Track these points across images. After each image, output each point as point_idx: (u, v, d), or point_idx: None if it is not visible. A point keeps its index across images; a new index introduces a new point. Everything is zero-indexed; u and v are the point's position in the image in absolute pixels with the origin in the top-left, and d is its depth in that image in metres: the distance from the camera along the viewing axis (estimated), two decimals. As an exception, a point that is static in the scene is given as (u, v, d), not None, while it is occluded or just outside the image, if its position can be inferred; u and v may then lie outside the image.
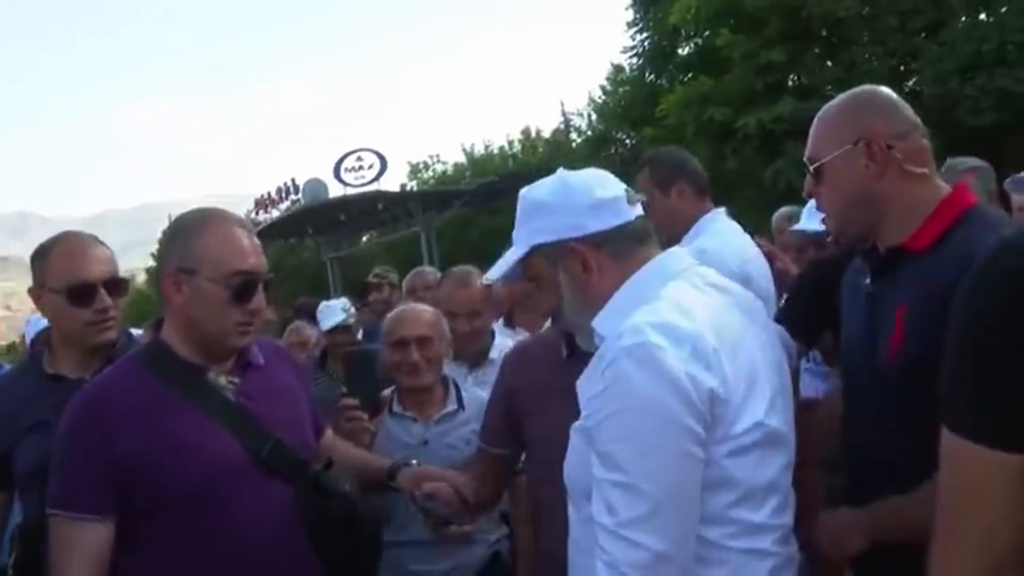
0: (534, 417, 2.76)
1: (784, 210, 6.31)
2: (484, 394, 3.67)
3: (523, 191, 2.21)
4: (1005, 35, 21.27)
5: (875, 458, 2.29)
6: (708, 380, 1.87)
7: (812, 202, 2.63)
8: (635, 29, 30.89)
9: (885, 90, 2.37)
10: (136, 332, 3.51)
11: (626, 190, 2.15)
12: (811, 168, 2.36)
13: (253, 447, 2.51)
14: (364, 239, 42.76)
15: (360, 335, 6.50)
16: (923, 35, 23.37)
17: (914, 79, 24.07)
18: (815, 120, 2.40)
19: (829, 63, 24.84)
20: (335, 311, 6.21)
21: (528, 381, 2.82)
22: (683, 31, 28.50)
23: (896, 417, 2.19)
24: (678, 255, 2.17)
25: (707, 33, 27.13)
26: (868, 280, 2.36)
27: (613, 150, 37.02)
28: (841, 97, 2.40)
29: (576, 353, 2.55)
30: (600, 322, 2.08)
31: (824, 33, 24.23)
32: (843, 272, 2.57)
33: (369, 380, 3.37)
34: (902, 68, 24.48)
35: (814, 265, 3.54)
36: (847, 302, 2.50)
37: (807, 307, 2.93)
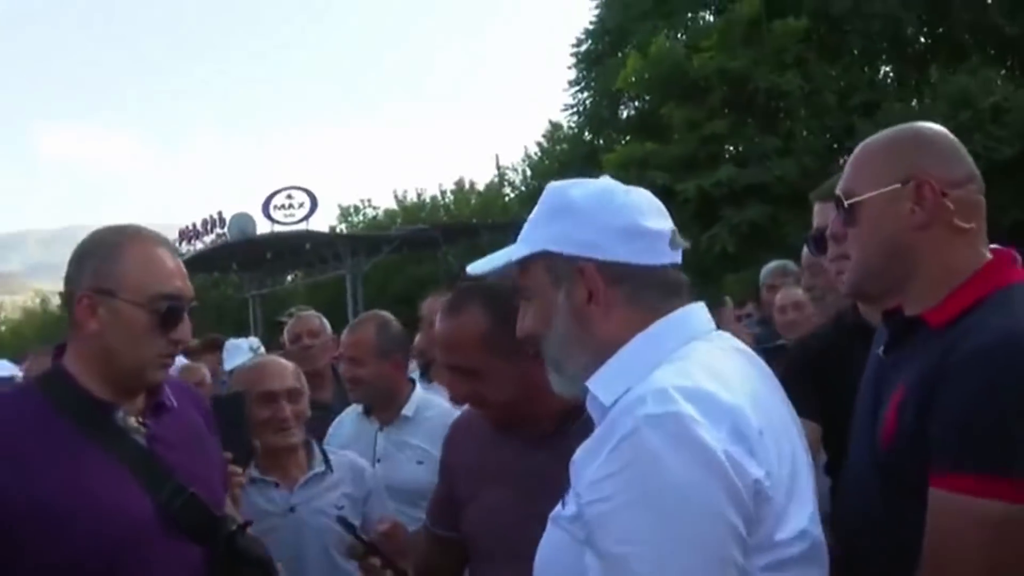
0: (465, 502, 2.42)
1: (775, 265, 6.20)
2: (353, 456, 3.48)
3: (555, 184, 1.84)
4: (936, 121, 21.08)
5: (869, 540, 2.00)
6: (752, 468, 1.52)
7: None
8: (576, 88, 31.11)
9: (944, 131, 2.06)
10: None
11: (673, 231, 1.79)
12: (844, 204, 2.03)
13: (165, 502, 2.20)
14: (289, 278, 42.16)
15: None
16: (866, 113, 23.84)
17: (844, 158, 24.25)
18: (857, 150, 2.09)
19: (768, 134, 25.19)
20: (241, 350, 5.75)
21: (460, 458, 2.50)
22: (626, 93, 28.72)
23: (887, 505, 1.94)
24: (701, 311, 1.81)
25: (648, 98, 27.29)
26: (882, 349, 2.09)
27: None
28: (892, 130, 2.09)
29: (511, 428, 2.31)
30: (601, 382, 1.71)
31: (765, 105, 24.66)
32: (830, 351, 2.38)
33: (241, 428, 2.96)
34: (835, 145, 25.02)
35: (802, 347, 3.27)
36: (867, 371, 2.20)
37: (806, 388, 2.63)
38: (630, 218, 1.74)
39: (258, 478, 3.17)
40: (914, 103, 24.11)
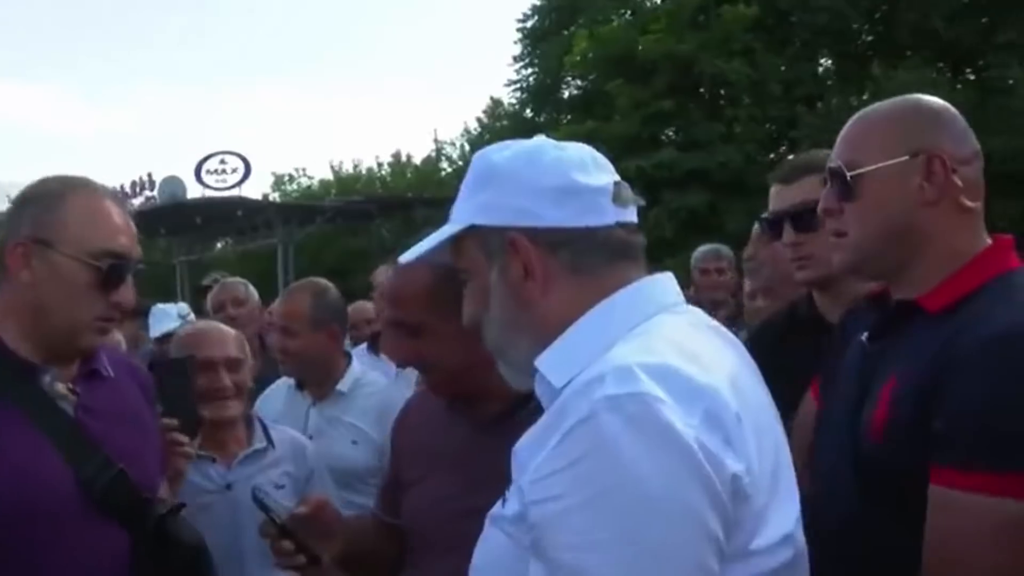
0: (407, 487, 2.23)
1: (708, 248, 6.11)
2: (294, 433, 3.28)
3: (481, 151, 1.62)
4: None
5: (850, 543, 1.83)
6: (730, 461, 1.29)
7: None
8: (521, 64, 30.93)
9: (949, 105, 1.94)
10: None
11: (616, 183, 1.55)
12: (847, 176, 1.88)
13: (88, 478, 2.04)
14: (219, 245, 41.46)
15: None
16: (807, 104, 24.28)
17: (785, 147, 24.97)
18: (855, 120, 1.96)
19: (712, 120, 25.33)
20: (169, 316, 5.38)
21: (408, 440, 2.32)
22: (570, 71, 28.67)
23: (876, 504, 1.79)
24: (668, 282, 1.58)
25: (593, 77, 27.19)
26: (866, 336, 1.96)
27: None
28: (896, 100, 1.97)
29: (457, 406, 2.14)
30: (550, 361, 1.49)
31: (710, 91, 24.72)
32: (780, 343, 2.32)
33: (186, 395, 2.71)
34: (777, 135, 25.26)
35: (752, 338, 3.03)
36: (847, 360, 2.03)
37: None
38: (562, 175, 1.51)
39: (194, 453, 2.90)
40: (854, 98, 24.28)
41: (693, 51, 23.75)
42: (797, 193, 2.60)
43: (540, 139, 1.60)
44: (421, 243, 1.66)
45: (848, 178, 1.87)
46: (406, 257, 1.70)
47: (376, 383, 3.85)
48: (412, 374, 4.73)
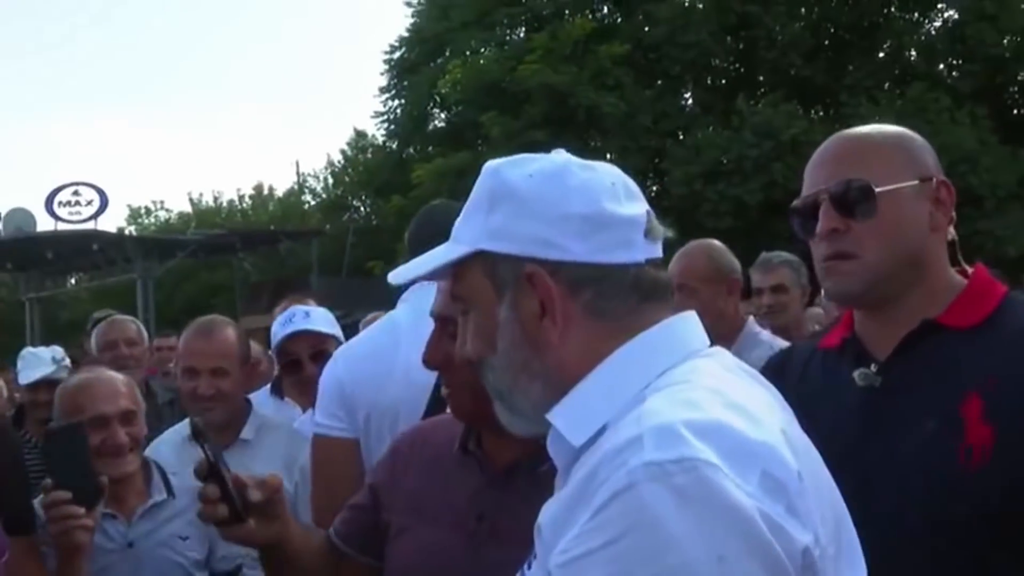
0: (396, 535, 1.98)
1: None
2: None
3: (493, 163, 1.40)
4: (743, 149, 23.19)
5: None
6: (798, 533, 1.10)
7: None
8: (387, 95, 30.73)
9: None
10: None
11: (648, 213, 1.35)
12: (866, 193, 1.78)
13: None
14: (72, 281, 39.88)
15: None
16: (673, 138, 25.13)
17: (658, 181, 25.47)
18: (853, 140, 1.88)
19: (584, 152, 25.68)
20: (42, 360, 4.91)
21: (399, 480, 2.04)
22: (439, 101, 28.70)
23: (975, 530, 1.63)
24: (694, 321, 1.39)
25: (461, 108, 27.22)
26: (860, 371, 1.82)
27: (347, 216, 37.09)
28: (886, 127, 1.92)
29: (472, 451, 1.90)
30: (567, 416, 1.28)
31: (583, 123, 25.14)
32: None
33: (83, 463, 2.54)
34: (650, 166, 25.80)
35: None
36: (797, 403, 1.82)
37: None
38: (591, 203, 1.31)
39: (93, 524, 2.72)
40: (720, 130, 25.18)
41: (568, 83, 24.03)
42: None
43: (563, 156, 1.39)
44: (417, 263, 1.45)
45: (875, 193, 1.77)
46: (397, 277, 1.51)
47: (280, 428, 3.56)
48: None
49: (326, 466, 2.86)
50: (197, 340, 3.45)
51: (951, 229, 1.84)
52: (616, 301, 1.31)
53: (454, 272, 1.41)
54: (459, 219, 1.41)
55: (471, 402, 1.76)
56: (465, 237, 1.38)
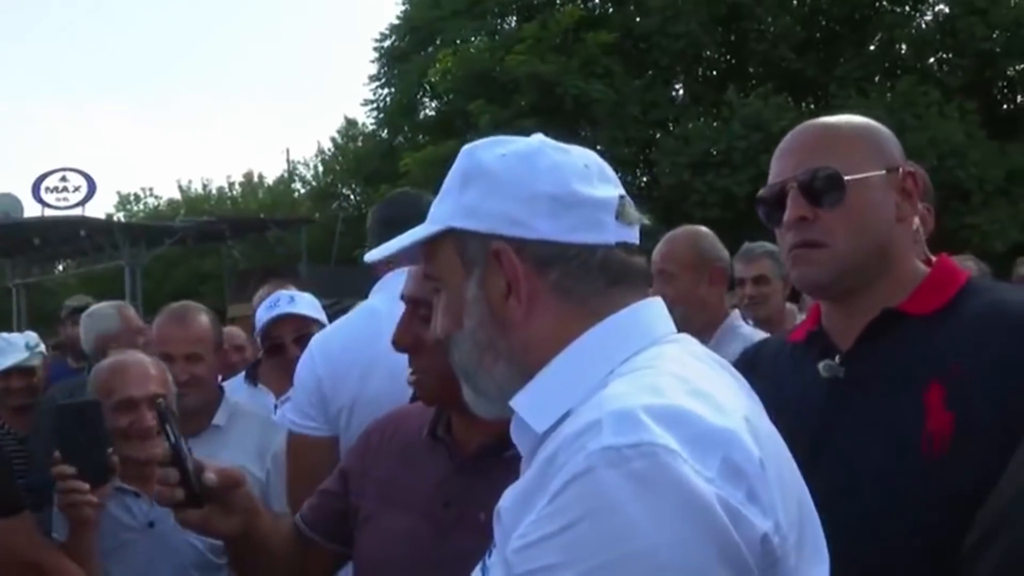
0: (364, 521, 1.97)
1: None
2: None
3: (468, 146, 1.41)
4: (732, 140, 23.28)
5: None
6: (758, 519, 1.09)
7: None
8: (377, 84, 30.67)
9: None
10: None
11: (622, 197, 1.34)
12: (844, 179, 1.76)
13: None
14: (60, 267, 39.68)
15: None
16: (662, 128, 25.19)
17: (647, 171, 25.49)
18: (820, 129, 1.87)
19: (572, 141, 25.79)
20: (15, 347, 4.88)
21: (369, 467, 2.02)
22: (429, 89, 28.65)
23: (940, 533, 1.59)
24: (658, 307, 1.38)
25: (451, 97, 27.18)
26: (825, 363, 1.82)
27: (337, 204, 37.01)
28: (852, 117, 1.90)
29: (441, 437, 1.89)
30: (529, 401, 1.28)
31: (571, 112, 25.12)
32: None
33: (92, 439, 2.58)
34: (640, 156, 25.79)
35: None
36: (767, 397, 1.82)
37: None
38: (561, 183, 1.30)
39: (117, 487, 2.82)
40: (709, 121, 25.33)
41: (556, 72, 24.03)
42: None
43: (539, 138, 1.39)
44: (390, 243, 1.44)
45: (844, 181, 1.75)
46: (372, 256, 1.50)
47: (252, 415, 3.53)
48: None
49: (299, 460, 2.87)
50: (171, 326, 3.45)
51: (916, 220, 1.85)
52: (583, 282, 1.30)
53: (427, 251, 1.41)
54: (435, 200, 1.42)
55: (438, 385, 1.76)
56: (438, 216, 1.38)
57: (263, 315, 3.95)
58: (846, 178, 1.76)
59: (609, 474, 1.06)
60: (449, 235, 1.36)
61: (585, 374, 1.25)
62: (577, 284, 1.30)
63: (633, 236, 1.36)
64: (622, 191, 1.36)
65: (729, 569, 1.06)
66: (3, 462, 2.68)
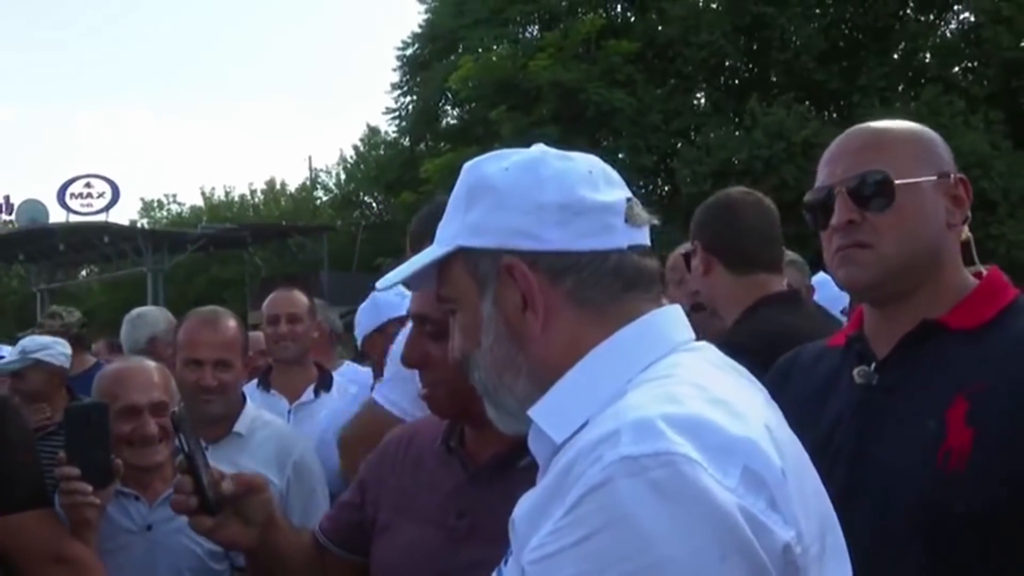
0: (379, 532, 1.97)
1: None
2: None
3: (471, 162, 1.40)
4: (754, 150, 23.14)
5: None
6: (779, 529, 1.07)
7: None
8: (399, 92, 30.76)
9: None
10: None
11: (629, 200, 1.33)
12: (885, 185, 1.76)
13: None
14: (84, 273, 39.99)
15: None
16: (683, 137, 25.19)
17: (668, 180, 25.40)
18: (872, 133, 1.85)
19: (594, 149, 25.81)
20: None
21: (385, 477, 2.01)
22: (451, 97, 28.70)
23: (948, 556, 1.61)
24: (677, 314, 1.36)
25: (473, 105, 27.23)
26: (859, 369, 1.81)
27: (358, 212, 37.09)
28: (903, 122, 1.90)
29: (454, 448, 1.89)
30: (547, 411, 1.26)
31: (593, 120, 25.16)
32: None
33: (97, 442, 2.59)
34: (661, 165, 25.84)
35: None
36: (801, 399, 1.83)
37: None
38: (566, 191, 1.29)
39: (118, 490, 2.78)
40: (731, 130, 25.23)
41: (579, 80, 24.07)
42: None
43: (541, 148, 1.37)
44: (400, 268, 1.43)
45: (894, 185, 1.75)
46: (384, 283, 1.48)
47: (272, 423, 3.50)
48: (315, 408, 4.41)
49: (370, 428, 2.83)
50: (202, 331, 3.37)
51: (965, 229, 1.81)
52: (598, 289, 1.29)
53: (438, 274, 1.40)
54: (442, 221, 1.40)
55: (449, 399, 1.77)
56: (446, 237, 1.37)
57: (381, 315, 3.94)
58: (896, 182, 1.75)
59: (628, 484, 1.04)
60: (459, 255, 1.34)
61: (603, 383, 1.23)
62: (592, 292, 1.28)
63: (644, 238, 1.34)
64: (628, 193, 1.34)
65: None
66: (35, 456, 2.68)
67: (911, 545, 1.62)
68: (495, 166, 1.34)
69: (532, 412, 1.27)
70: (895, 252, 1.75)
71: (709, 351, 1.33)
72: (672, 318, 1.33)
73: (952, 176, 1.78)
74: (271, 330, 4.55)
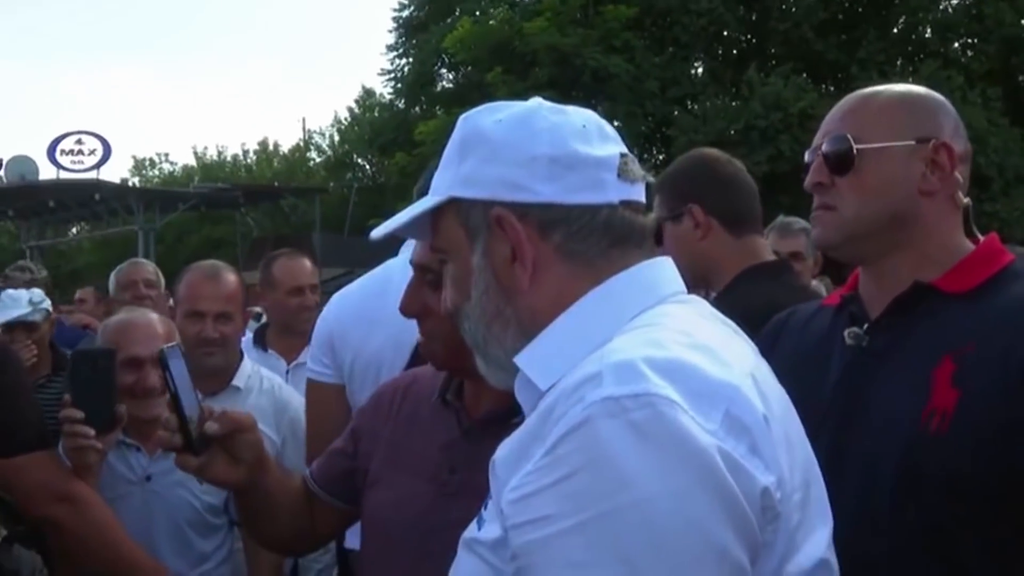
0: (372, 483, 1.97)
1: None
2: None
3: (466, 113, 1.39)
4: (751, 119, 23.16)
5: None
6: (759, 473, 1.09)
7: None
8: (395, 53, 30.59)
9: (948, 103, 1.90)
10: None
11: (623, 155, 1.32)
12: (854, 148, 1.79)
13: None
14: (74, 231, 39.90)
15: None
16: (680, 105, 25.15)
17: (664, 148, 25.50)
18: (860, 98, 1.87)
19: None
20: (18, 302, 4.86)
21: (380, 426, 2.00)
22: (447, 60, 28.56)
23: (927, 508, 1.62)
24: (668, 266, 1.36)
25: (469, 69, 27.11)
26: (850, 330, 1.83)
27: (351, 174, 37.05)
28: (904, 86, 1.90)
29: (450, 402, 1.88)
30: (534, 358, 1.27)
31: (589, 85, 25.07)
32: None
33: (102, 387, 2.61)
34: (657, 133, 25.87)
35: None
36: (791, 360, 1.82)
37: None
38: (559, 144, 1.29)
39: (120, 439, 2.84)
40: (728, 100, 25.23)
41: (575, 45, 23.96)
42: None
43: (537, 101, 1.37)
44: (393, 219, 1.44)
45: (854, 151, 1.78)
46: (378, 232, 1.48)
47: (270, 379, 3.54)
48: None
49: (315, 408, 3.00)
50: (204, 284, 3.39)
51: (960, 195, 1.81)
52: (588, 243, 1.29)
53: (432, 224, 1.40)
54: (437, 170, 1.40)
55: (446, 351, 1.75)
56: (439, 187, 1.38)
57: None
58: (858, 147, 1.78)
59: (608, 424, 1.05)
60: (451, 205, 1.35)
61: (590, 332, 1.23)
62: (581, 245, 1.29)
63: (638, 193, 1.34)
64: (623, 148, 1.34)
65: (728, 521, 1.04)
66: (33, 399, 2.68)
67: (895, 507, 1.62)
68: (490, 118, 1.34)
69: (518, 359, 1.27)
70: (852, 215, 1.79)
71: (700, 304, 1.34)
72: (662, 270, 1.34)
73: (932, 142, 1.77)
74: (296, 301, 4.50)
